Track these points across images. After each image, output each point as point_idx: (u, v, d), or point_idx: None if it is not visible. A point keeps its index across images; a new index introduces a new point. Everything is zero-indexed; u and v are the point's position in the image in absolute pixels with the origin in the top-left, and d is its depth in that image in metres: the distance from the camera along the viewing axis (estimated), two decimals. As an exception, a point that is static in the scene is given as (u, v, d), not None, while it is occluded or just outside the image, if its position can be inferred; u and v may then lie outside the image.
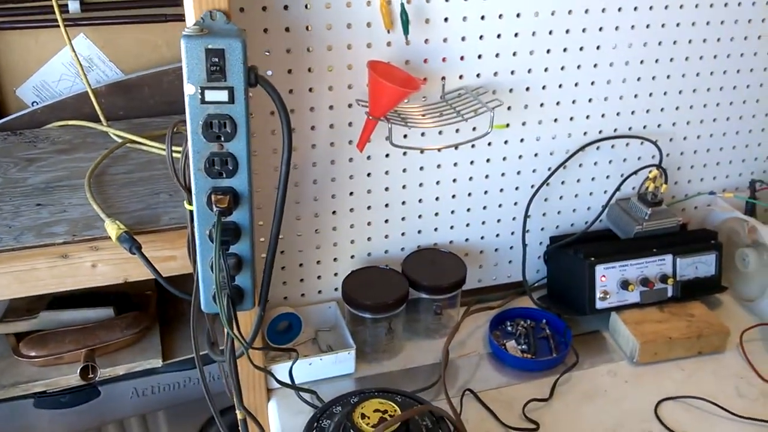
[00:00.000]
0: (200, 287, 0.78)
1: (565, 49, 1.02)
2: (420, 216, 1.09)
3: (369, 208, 1.05)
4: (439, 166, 1.05)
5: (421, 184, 1.06)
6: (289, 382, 0.93)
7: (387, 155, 1.02)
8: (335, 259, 1.08)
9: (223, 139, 0.69)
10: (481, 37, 0.96)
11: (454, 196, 1.09)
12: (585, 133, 1.11)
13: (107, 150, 1.15)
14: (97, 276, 0.90)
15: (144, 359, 1.20)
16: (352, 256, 1.09)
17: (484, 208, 1.12)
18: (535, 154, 1.10)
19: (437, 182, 1.07)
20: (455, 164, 1.06)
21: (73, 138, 1.23)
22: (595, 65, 1.05)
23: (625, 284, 1.08)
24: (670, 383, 1.01)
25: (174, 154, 0.76)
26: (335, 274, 1.09)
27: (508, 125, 1.05)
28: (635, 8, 1.02)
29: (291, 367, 0.93)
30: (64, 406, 1.27)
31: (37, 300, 1.23)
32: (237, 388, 0.80)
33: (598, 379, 1.02)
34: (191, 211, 0.75)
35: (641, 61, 1.07)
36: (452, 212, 1.11)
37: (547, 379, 1.01)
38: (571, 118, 1.08)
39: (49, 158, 1.14)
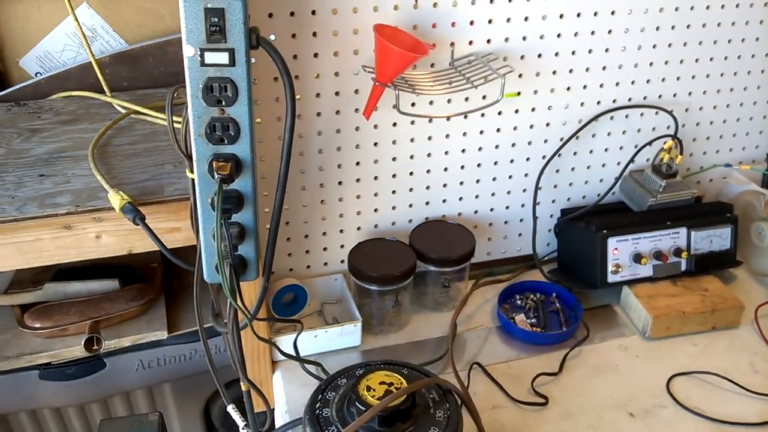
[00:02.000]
0: (203, 257, 0.77)
1: (578, 14, 0.98)
2: (428, 187, 1.07)
3: (376, 178, 1.03)
4: (447, 135, 1.03)
5: (429, 154, 1.04)
6: (293, 354, 0.92)
7: (394, 124, 0.99)
8: (341, 231, 1.06)
9: (224, 103, 0.67)
10: (491, 0, 0.93)
11: (462, 167, 1.07)
12: (598, 103, 1.08)
13: (111, 121, 1.13)
14: (101, 247, 0.89)
15: (149, 331, 1.19)
16: (359, 228, 1.07)
17: (494, 179, 1.10)
18: (547, 124, 1.07)
19: (446, 152, 1.05)
20: (464, 134, 1.04)
21: (77, 109, 1.21)
22: (609, 31, 1.01)
23: (637, 257, 1.05)
24: (682, 358, 0.99)
25: (175, 125, 0.74)
26: (341, 246, 1.07)
27: (519, 93, 1.02)
28: (652, -28, 0.99)
29: (296, 339, 0.92)
30: (69, 377, 1.27)
31: (42, 272, 1.22)
32: (240, 360, 0.79)
33: (608, 353, 1.00)
34: (193, 180, 0.74)
35: (657, 28, 1.04)
36: (461, 183, 1.08)
37: (556, 353, 0.99)
38: (585, 87, 1.05)
39: (52, 129, 1.12)
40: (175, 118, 0.73)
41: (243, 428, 0.89)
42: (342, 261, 1.08)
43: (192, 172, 0.73)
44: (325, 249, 1.07)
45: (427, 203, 1.09)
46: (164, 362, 1.34)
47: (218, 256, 0.72)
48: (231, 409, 0.91)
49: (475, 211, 1.12)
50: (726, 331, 1.04)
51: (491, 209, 1.13)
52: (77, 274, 1.21)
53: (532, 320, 1.04)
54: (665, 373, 0.96)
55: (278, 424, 0.90)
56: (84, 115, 1.18)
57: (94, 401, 1.32)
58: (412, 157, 1.03)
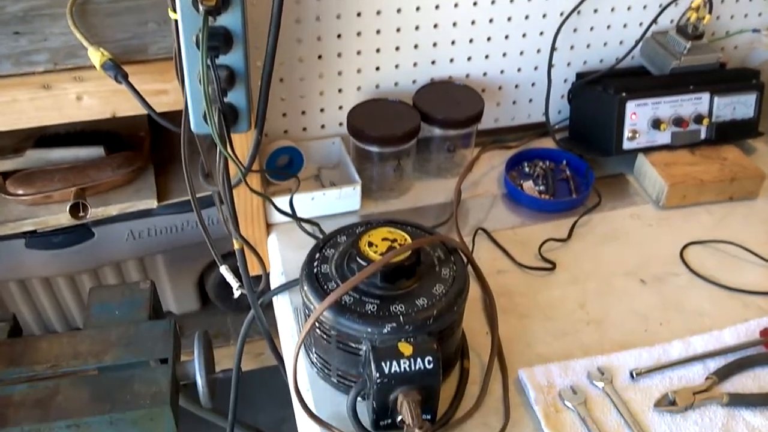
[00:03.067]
0: (189, 105, 0.70)
1: None
2: (435, 44, 0.98)
3: (378, 32, 0.94)
4: (457, -16, 0.93)
5: (437, 6, 0.94)
6: (289, 211, 0.87)
7: (399, -31, 0.89)
8: (340, 91, 0.98)
9: None
10: None
11: (473, 23, 0.98)
12: (624, -49, 0.98)
13: (89, -27, 1.03)
14: (83, 110, 0.84)
15: (138, 200, 1.14)
16: (359, 88, 0.99)
17: (506, 37, 1.01)
18: (567, -25, 0.97)
19: (455, 5, 0.95)
20: (476, -17, 0.94)
21: (51, -39, 1.10)
22: None
23: (656, 123, 0.99)
24: (697, 227, 0.94)
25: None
26: (339, 108, 1.00)
27: (538, -64, 0.92)
28: None
29: (291, 197, 0.86)
30: (56, 246, 1.23)
31: (23, 139, 1.15)
32: (232, 216, 0.74)
33: (620, 221, 0.95)
34: (176, 21, 0.65)
35: None
36: (470, 41, 1.00)
37: (565, 221, 0.94)
38: (611, -68, 0.95)
39: (27, -15, 1.02)
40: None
41: (237, 289, 0.85)
42: (340, 124, 1.01)
43: (174, 11, 0.65)
44: (322, 110, 0.99)
45: (433, 62, 1.00)
46: (155, 232, 1.31)
47: (206, 100, 0.65)
48: (224, 269, 0.87)
49: (484, 73, 1.04)
50: (744, 202, 0.99)
51: (501, 71, 1.05)
52: (61, 142, 1.15)
53: (541, 188, 0.99)
54: (679, 241, 0.91)
55: (275, 282, 0.86)
56: (59, -32, 1.08)
57: (83, 271, 1.29)
58: (418, 9, 0.94)
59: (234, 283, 0.84)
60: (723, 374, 0.73)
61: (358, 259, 0.66)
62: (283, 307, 0.82)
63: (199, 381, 1.00)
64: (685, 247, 0.91)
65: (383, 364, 0.61)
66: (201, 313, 1.58)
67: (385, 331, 0.63)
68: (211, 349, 1.06)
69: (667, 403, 0.70)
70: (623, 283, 0.85)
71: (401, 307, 0.65)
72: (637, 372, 0.73)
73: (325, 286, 0.67)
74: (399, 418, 0.63)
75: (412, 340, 0.63)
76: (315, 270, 0.69)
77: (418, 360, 0.62)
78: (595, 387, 0.72)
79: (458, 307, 0.67)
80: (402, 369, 0.62)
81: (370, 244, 0.67)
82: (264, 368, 1.48)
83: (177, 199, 1.23)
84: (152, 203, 1.15)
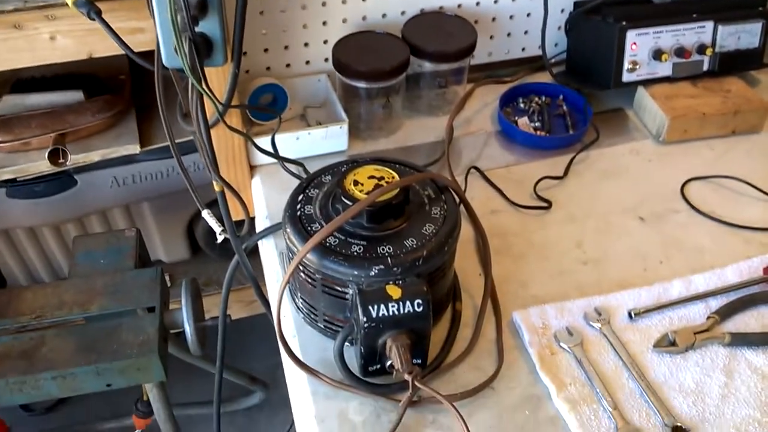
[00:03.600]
0: (159, 37, 0.65)
1: None
2: (424, -29, 0.93)
3: (364, -41, 0.89)
4: None
5: (426, -71, 0.89)
6: (272, 151, 0.83)
7: None
8: (324, 23, 0.93)
9: None
10: None
11: (465, -54, 0.92)
12: None
13: None
14: (57, 50, 0.80)
15: (120, 145, 1.10)
16: (344, 20, 0.94)
17: (500, -37, 0.95)
18: None
19: (445, -73, 0.89)
20: None
21: None
22: None
23: (657, 54, 0.94)
24: (698, 163, 0.91)
25: None
26: (324, 42, 0.95)
27: None
28: None
29: (273, 135, 0.82)
30: (38, 195, 1.19)
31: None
32: (210, 156, 0.70)
33: (618, 157, 0.92)
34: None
35: None
36: (462, -33, 0.94)
37: (561, 158, 0.91)
38: None
39: None
40: None
41: (220, 234, 0.82)
42: (326, 59, 0.96)
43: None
44: (306, 45, 0.94)
45: (423, -9, 0.95)
46: (140, 179, 1.27)
47: (174, 30, 0.60)
48: (206, 214, 0.84)
49: (477, 3, 0.98)
50: (746, 137, 0.95)
51: (495, 1, 0.99)
52: (38, 86, 1.10)
53: (536, 124, 0.95)
54: (679, 177, 0.88)
55: (260, 226, 0.83)
56: None
57: (68, 220, 1.26)
58: (406, -68, 0.88)
59: (216, 227, 0.81)
60: (725, 313, 0.70)
61: (343, 198, 0.62)
62: (269, 252, 0.79)
63: (188, 329, 0.98)
64: (685, 183, 0.87)
65: (371, 308, 0.59)
66: (191, 261, 1.56)
67: (372, 273, 0.60)
68: (200, 297, 1.03)
69: (667, 343, 0.68)
70: (621, 221, 0.82)
71: (389, 248, 0.61)
72: (635, 312, 0.70)
73: (309, 228, 0.63)
74: (388, 362, 0.61)
75: (400, 282, 0.60)
76: (298, 211, 0.66)
77: (407, 303, 0.59)
78: (592, 328, 0.69)
79: (449, 247, 0.64)
80: (390, 312, 0.59)
81: (356, 183, 0.64)
82: (256, 316, 1.46)
83: (161, 144, 1.19)
84: (135, 149, 1.11)
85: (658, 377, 0.65)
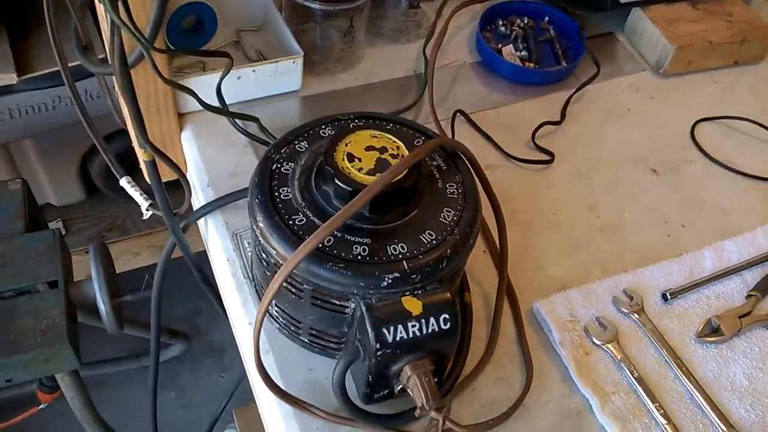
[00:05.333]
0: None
1: None
2: None
3: None
4: None
5: None
6: (216, 104, 0.63)
7: None
8: None
9: None
10: None
11: None
12: None
13: None
14: None
15: (-10, 74, 0.87)
16: None
17: None
18: None
19: None
20: None
21: None
22: None
23: (658, -32, 0.80)
24: (703, 100, 0.79)
25: None
26: (263, -54, 0.74)
27: None
28: None
29: (219, 83, 0.62)
30: None
31: None
32: (136, 115, 0.50)
33: (617, 94, 0.79)
34: None
35: None
36: None
37: (554, 96, 0.77)
38: None
39: None
40: None
41: (147, 209, 0.64)
42: (264, -31, 0.75)
43: None
44: (238, -51, 0.73)
45: None
46: (18, 113, 1.05)
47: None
48: (125, 182, 0.64)
49: None
50: (748, 68, 0.85)
51: None
52: None
53: (522, 53, 0.80)
54: (687, 118, 0.77)
55: (197, 199, 0.65)
56: None
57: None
58: None
59: (142, 200, 0.62)
60: (765, 290, 0.61)
61: (337, 182, 0.46)
62: (215, 230, 0.61)
63: (102, 306, 0.81)
64: (695, 125, 0.76)
65: (385, 330, 0.44)
66: (87, 203, 1.34)
67: (385, 284, 0.45)
68: (112, 264, 0.85)
69: (710, 330, 0.58)
70: (633, 175, 0.70)
71: (402, 248, 0.46)
72: (670, 293, 0.59)
73: (290, 222, 0.46)
74: (398, 387, 0.47)
75: (419, 292, 0.46)
76: (273, 197, 0.48)
77: (431, 320, 0.45)
78: (625, 316, 0.58)
79: (473, 238, 0.49)
80: (410, 334, 0.44)
81: (351, 158, 0.47)
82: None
83: (42, 71, 0.97)
84: (11, 78, 0.94)
85: (707, 375, 0.55)
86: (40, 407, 1.14)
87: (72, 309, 0.76)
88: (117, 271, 1.31)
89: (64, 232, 1.30)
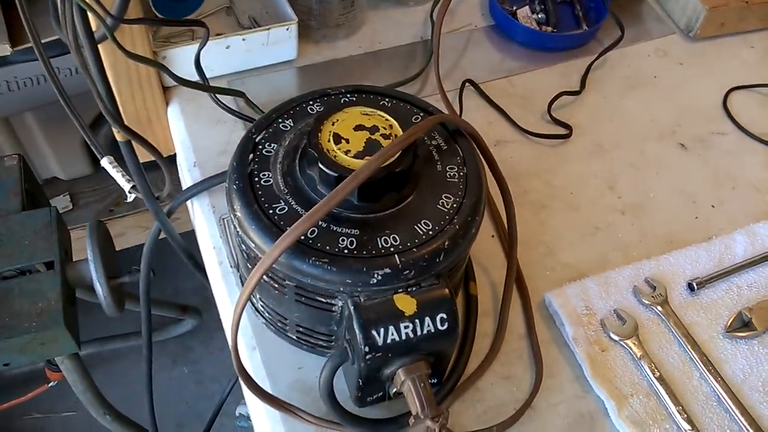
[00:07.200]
0: None
1: None
2: None
3: None
4: None
5: None
6: (197, 79, 0.58)
7: None
8: None
9: None
10: None
11: None
12: None
13: None
14: None
15: (-16, 45, 0.84)
16: None
17: None
18: None
19: None
20: None
21: None
22: None
23: None
24: (737, 65, 0.73)
25: None
26: None
27: None
28: None
29: (198, 54, 0.57)
30: None
31: None
32: (107, 96, 0.46)
33: (642, 60, 0.72)
34: None
35: None
36: None
37: (573, 63, 0.71)
38: None
39: None
40: None
41: (129, 192, 0.60)
42: (257, -73, 0.70)
43: None
44: None
45: None
46: (16, 86, 1.02)
47: None
48: (106, 162, 0.61)
49: None
50: (787, 27, 0.77)
51: None
52: None
53: (539, 16, 0.73)
54: (719, 86, 0.70)
55: (186, 178, 0.61)
56: None
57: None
58: None
59: (125, 183, 0.58)
60: (803, 277, 0.55)
61: (322, 167, 0.41)
62: (201, 215, 0.57)
63: (99, 288, 0.77)
64: (727, 94, 0.69)
65: (375, 332, 0.39)
66: (94, 177, 1.31)
67: (374, 281, 0.40)
68: (112, 244, 0.82)
69: (740, 324, 0.53)
70: (659, 150, 0.64)
71: (394, 240, 0.41)
72: (697, 282, 0.54)
73: (271, 211, 0.42)
74: (393, 390, 0.43)
75: (414, 289, 0.41)
76: (253, 183, 0.44)
77: (426, 320, 0.40)
78: (647, 308, 0.53)
79: (476, 228, 0.45)
80: (403, 336, 0.40)
81: (338, 139, 0.42)
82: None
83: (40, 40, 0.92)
84: (5, 48, 0.89)
85: (737, 375, 0.50)
86: (49, 385, 1.13)
87: (69, 291, 0.73)
88: (126, 246, 1.28)
89: (71, 207, 1.28)
